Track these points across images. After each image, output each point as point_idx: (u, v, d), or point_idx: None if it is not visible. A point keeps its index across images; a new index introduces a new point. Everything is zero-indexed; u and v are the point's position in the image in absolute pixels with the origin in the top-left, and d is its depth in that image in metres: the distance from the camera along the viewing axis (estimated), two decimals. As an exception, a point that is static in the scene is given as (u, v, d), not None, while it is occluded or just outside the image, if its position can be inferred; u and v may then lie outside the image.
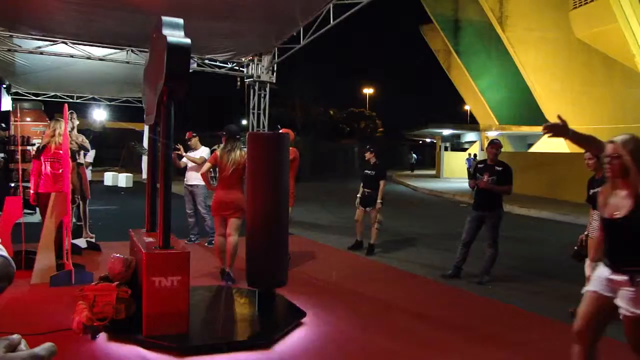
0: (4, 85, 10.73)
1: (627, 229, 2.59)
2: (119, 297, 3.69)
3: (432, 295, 5.38)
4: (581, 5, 16.87)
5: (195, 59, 11.04)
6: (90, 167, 8.24)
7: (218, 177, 5.55)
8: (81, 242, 6.64)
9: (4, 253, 0.93)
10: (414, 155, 37.62)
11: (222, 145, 5.54)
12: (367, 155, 7.27)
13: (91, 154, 8.15)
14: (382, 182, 6.95)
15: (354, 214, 7.44)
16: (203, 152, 7.20)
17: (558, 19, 18.74)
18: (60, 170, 5.61)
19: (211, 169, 5.62)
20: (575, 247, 4.69)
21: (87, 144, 6.83)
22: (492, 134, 23.09)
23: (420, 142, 46.04)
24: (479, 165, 5.95)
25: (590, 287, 2.76)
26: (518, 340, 4.04)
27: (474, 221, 5.81)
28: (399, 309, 4.77)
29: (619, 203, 2.60)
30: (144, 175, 16.22)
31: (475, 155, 23.96)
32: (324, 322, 4.23)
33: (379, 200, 6.92)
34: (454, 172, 26.38)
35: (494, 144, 5.89)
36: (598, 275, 2.73)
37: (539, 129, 18.39)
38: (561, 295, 5.37)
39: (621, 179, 2.61)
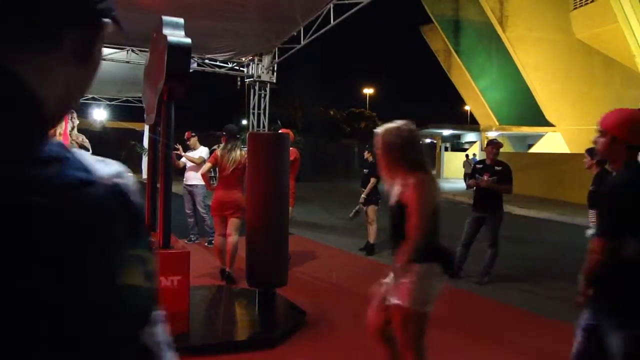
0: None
1: (394, 218, 2.56)
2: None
3: (432, 296, 5.37)
4: (581, 5, 16.89)
5: (196, 59, 11.03)
6: None
7: (218, 176, 5.55)
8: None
9: None
10: None
11: (222, 145, 5.54)
12: (366, 154, 7.38)
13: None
14: (372, 179, 6.99)
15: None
16: (202, 152, 7.20)
17: (558, 20, 18.75)
18: None
19: (211, 169, 5.63)
20: None
21: (87, 143, 6.82)
22: (492, 134, 23.07)
23: (420, 142, 46.01)
24: (478, 166, 5.95)
25: (387, 279, 2.73)
26: (517, 340, 4.04)
27: (474, 222, 5.81)
28: (399, 309, 4.77)
29: (394, 193, 2.58)
30: (144, 175, 16.21)
31: (468, 155, 24.11)
32: (324, 322, 4.23)
33: (363, 196, 6.99)
34: (454, 172, 26.38)
35: (494, 144, 5.89)
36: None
37: (539, 129, 18.38)
38: (560, 295, 5.37)
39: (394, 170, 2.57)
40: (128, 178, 0.55)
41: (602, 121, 2.32)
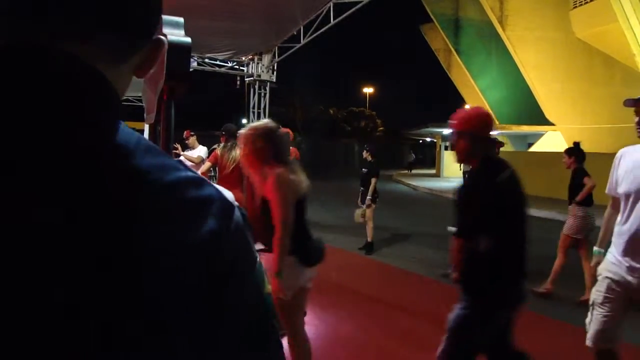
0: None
1: (262, 211, 2.64)
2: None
3: (432, 295, 5.38)
4: (581, 4, 16.87)
5: (196, 58, 11.03)
6: None
7: (218, 176, 5.56)
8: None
9: None
10: (412, 154, 37.56)
11: (222, 145, 5.56)
12: (365, 154, 7.43)
13: None
14: (373, 180, 7.03)
15: (353, 213, 7.47)
16: (201, 151, 7.20)
17: (558, 19, 18.74)
18: None
19: (210, 168, 5.64)
20: None
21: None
22: (492, 133, 23.05)
23: (421, 141, 46.09)
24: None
25: None
26: (517, 339, 4.04)
27: (474, 220, 5.81)
28: (399, 309, 4.77)
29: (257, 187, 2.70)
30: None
31: None
32: (324, 322, 4.24)
33: (368, 197, 7.05)
34: (454, 172, 26.39)
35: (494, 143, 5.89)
36: None
37: (539, 129, 18.33)
38: (559, 294, 5.37)
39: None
40: None
41: (458, 124, 2.39)
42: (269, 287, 0.56)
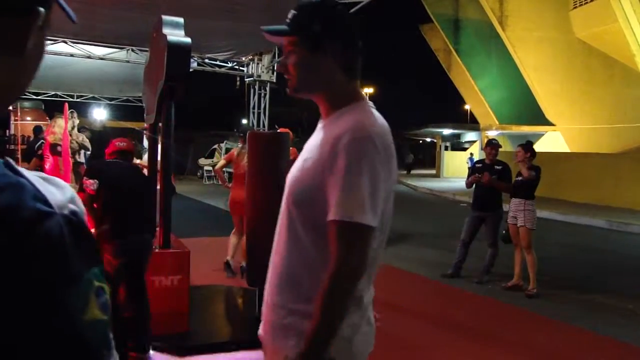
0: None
1: None
2: (119, 296, 3.71)
3: (432, 295, 5.38)
4: (581, 5, 16.89)
5: (196, 58, 11.03)
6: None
7: (233, 176, 5.70)
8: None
9: None
10: (411, 155, 37.32)
11: (240, 146, 5.68)
12: None
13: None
14: None
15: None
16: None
17: (558, 19, 18.74)
18: (48, 166, 5.75)
19: (223, 167, 5.80)
20: (504, 231, 5.56)
21: (87, 143, 6.85)
22: (492, 134, 23.06)
23: (421, 141, 46.07)
24: (477, 165, 6.00)
25: None
26: (517, 340, 4.05)
27: (474, 221, 5.82)
28: (399, 309, 4.77)
29: None
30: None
31: (472, 153, 24.26)
32: (323, 322, 4.23)
33: None
34: (454, 172, 26.39)
35: (493, 145, 5.93)
36: None
37: (539, 129, 18.30)
38: (559, 294, 5.38)
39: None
40: (79, 201, 0.50)
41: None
42: (96, 312, 0.46)
